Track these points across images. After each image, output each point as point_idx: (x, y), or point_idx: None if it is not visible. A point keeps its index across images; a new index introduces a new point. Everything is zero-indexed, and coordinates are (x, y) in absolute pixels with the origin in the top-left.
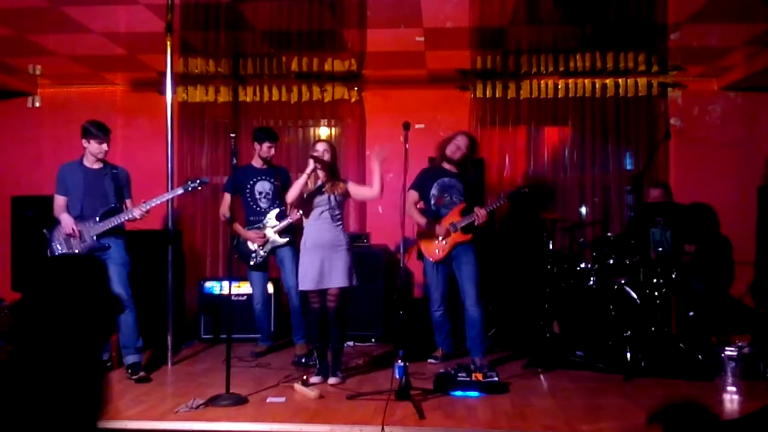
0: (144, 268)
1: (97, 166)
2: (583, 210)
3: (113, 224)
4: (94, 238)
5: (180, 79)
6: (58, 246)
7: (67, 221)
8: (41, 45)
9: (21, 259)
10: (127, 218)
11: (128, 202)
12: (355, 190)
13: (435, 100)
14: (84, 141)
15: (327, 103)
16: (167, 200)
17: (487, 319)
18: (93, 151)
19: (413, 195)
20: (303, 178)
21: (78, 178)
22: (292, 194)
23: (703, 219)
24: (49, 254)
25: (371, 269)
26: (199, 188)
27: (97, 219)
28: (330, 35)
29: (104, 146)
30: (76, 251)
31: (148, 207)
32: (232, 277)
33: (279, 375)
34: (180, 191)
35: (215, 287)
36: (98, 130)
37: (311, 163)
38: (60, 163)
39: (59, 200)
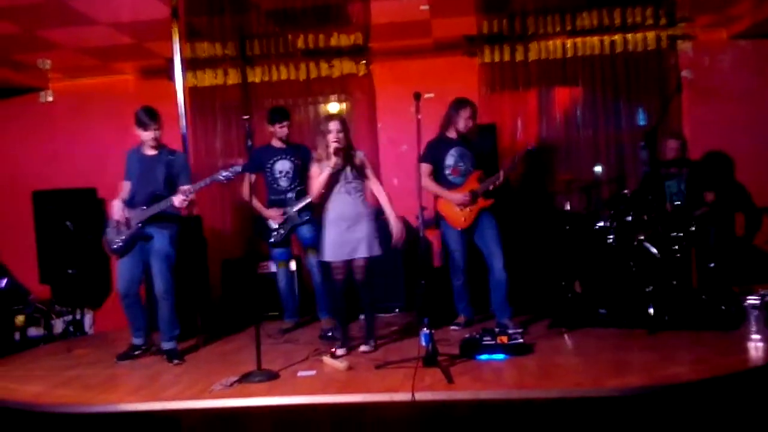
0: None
1: (152, 152)
2: (599, 169)
3: (156, 211)
4: (139, 225)
5: (188, 65)
6: (109, 230)
7: (113, 208)
8: (49, 39)
9: (46, 252)
10: (167, 206)
11: (184, 188)
12: (369, 173)
13: (443, 69)
14: (136, 129)
15: (336, 79)
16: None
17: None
18: (143, 138)
19: (427, 167)
20: (326, 173)
21: (134, 165)
22: (316, 192)
23: (718, 167)
24: (103, 237)
25: (390, 240)
26: (232, 177)
27: (144, 207)
28: (334, 10)
29: (150, 133)
30: (123, 237)
31: (182, 197)
32: (258, 257)
33: (307, 349)
34: (214, 179)
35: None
36: (144, 117)
37: (333, 159)
38: (76, 156)
39: (122, 186)
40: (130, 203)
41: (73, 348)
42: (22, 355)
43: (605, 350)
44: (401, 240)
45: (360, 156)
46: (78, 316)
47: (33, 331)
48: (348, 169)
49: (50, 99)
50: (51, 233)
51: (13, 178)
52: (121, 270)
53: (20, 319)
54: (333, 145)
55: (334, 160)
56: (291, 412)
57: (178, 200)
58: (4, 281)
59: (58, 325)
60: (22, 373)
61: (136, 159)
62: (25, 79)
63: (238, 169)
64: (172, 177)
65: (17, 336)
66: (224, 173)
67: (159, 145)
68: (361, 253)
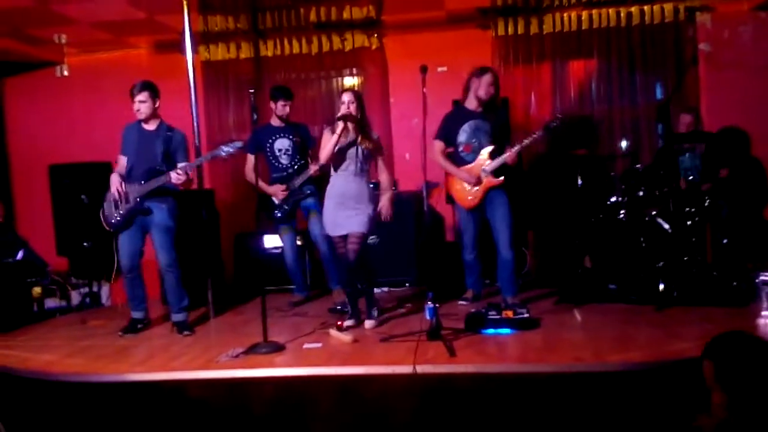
0: (181, 226)
1: (151, 127)
2: (624, 144)
3: (154, 186)
4: (137, 200)
5: (201, 38)
6: (107, 205)
7: (113, 181)
8: (63, 14)
9: (63, 225)
10: (165, 181)
11: (182, 165)
12: (380, 160)
13: (456, 42)
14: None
15: (348, 53)
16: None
17: (519, 260)
18: (135, 110)
19: (439, 145)
20: (334, 138)
21: (132, 139)
22: (324, 154)
23: (733, 142)
24: (100, 212)
25: (401, 215)
26: (234, 153)
27: (142, 181)
28: None
29: (134, 105)
30: (121, 212)
31: (180, 173)
32: (266, 231)
33: (315, 323)
34: (215, 154)
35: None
36: (132, 90)
37: (340, 124)
38: (92, 130)
39: (119, 160)
40: (127, 177)
41: (88, 319)
42: (38, 325)
43: (612, 326)
44: (386, 217)
45: (375, 138)
46: (95, 288)
47: (50, 303)
48: (361, 148)
49: (66, 73)
50: (67, 206)
51: (29, 151)
52: (123, 244)
53: (37, 290)
54: (341, 111)
55: (340, 125)
56: (294, 383)
57: (174, 177)
58: (21, 253)
59: (75, 297)
60: (38, 343)
61: (135, 133)
62: (41, 53)
63: (239, 144)
64: (170, 153)
65: (35, 307)
66: (225, 148)
67: (157, 119)
68: (358, 228)
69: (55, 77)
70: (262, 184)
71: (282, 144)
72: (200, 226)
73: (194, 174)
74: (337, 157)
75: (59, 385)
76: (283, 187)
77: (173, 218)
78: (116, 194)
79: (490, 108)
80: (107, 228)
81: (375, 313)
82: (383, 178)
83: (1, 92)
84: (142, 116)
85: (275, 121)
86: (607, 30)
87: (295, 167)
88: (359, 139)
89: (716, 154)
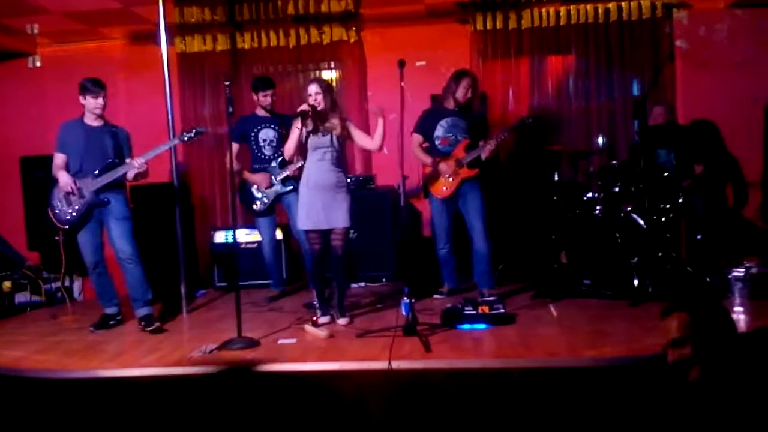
0: (155, 221)
1: (97, 123)
2: (600, 140)
3: (112, 178)
4: (94, 193)
5: (177, 30)
6: (57, 203)
7: (64, 179)
8: (36, 3)
9: (34, 218)
10: (124, 172)
11: (128, 161)
12: (357, 135)
13: (435, 36)
14: (81, 98)
15: (326, 46)
16: (169, 151)
17: (494, 254)
18: (90, 106)
19: (418, 138)
20: (295, 133)
21: (78, 136)
22: (288, 150)
23: (707, 136)
24: (49, 212)
25: (379, 210)
26: (195, 138)
27: (96, 174)
28: None
29: (100, 100)
30: (76, 207)
31: (143, 160)
32: (243, 226)
33: (291, 318)
34: (175, 142)
35: (226, 236)
36: (93, 85)
37: (298, 121)
38: (65, 120)
39: (58, 158)
40: (77, 173)
41: (58, 314)
42: (8, 321)
43: (587, 321)
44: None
45: (347, 125)
46: (67, 283)
47: (20, 297)
48: (333, 137)
49: (38, 64)
50: (39, 199)
51: (0, 143)
52: (85, 240)
53: (7, 285)
54: (302, 106)
55: (298, 122)
56: (269, 379)
57: (137, 164)
58: None
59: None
60: (7, 339)
61: (80, 131)
62: (13, 43)
63: (202, 129)
64: (119, 147)
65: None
66: (186, 135)
67: (102, 115)
68: (342, 223)
69: (28, 68)
70: (246, 173)
71: (267, 134)
72: (174, 220)
73: (150, 168)
74: (312, 147)
75: (29, 381)
76: (267, 175)
77: (129, 208)
78: (70, 190)
79: (468, 108)
80: (60, 226)
81: (348, 314)
82: (372, 140)
83: None
84: (101, 112)
85: (260, 112)
86: (584, 26)
87: (278, 159)
88: (331, 126)
89: (691, 150)
